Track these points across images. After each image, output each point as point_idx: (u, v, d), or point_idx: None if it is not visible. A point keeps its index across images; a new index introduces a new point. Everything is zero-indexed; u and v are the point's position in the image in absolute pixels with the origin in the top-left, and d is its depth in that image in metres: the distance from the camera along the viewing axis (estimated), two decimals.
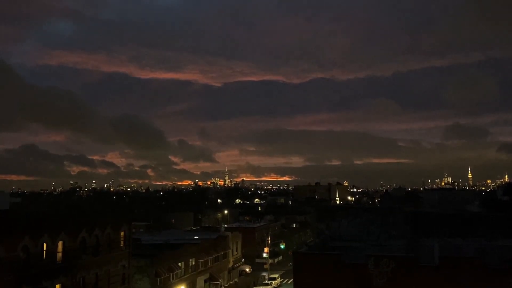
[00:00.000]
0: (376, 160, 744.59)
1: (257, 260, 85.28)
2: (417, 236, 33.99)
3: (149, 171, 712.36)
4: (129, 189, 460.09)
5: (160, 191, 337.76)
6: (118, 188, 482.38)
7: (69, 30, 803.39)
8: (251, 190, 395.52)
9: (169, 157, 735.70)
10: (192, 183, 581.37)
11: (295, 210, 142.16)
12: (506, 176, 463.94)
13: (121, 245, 44.98)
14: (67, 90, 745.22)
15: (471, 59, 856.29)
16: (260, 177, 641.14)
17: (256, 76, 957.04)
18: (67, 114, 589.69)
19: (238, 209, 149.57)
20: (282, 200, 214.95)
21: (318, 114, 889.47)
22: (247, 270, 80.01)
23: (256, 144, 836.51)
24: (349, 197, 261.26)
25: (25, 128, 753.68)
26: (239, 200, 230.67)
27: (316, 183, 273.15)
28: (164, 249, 55.49)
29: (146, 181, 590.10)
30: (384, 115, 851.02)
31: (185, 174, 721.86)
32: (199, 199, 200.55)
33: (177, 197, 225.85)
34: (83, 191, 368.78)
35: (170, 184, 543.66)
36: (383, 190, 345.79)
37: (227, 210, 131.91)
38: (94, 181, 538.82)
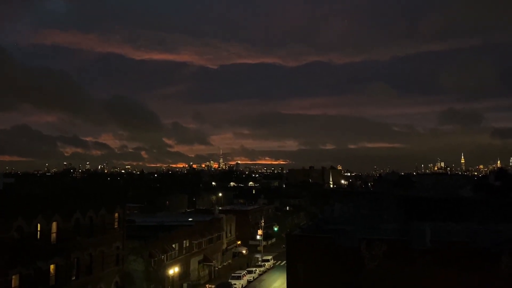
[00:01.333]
0: (370, 145, 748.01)
1: (251, 242, 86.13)
2: (409, 220, 34.30)
3: (143, 153, 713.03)
4: (123, 171, 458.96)
5: (155, 174, 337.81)
6: (112, 170, 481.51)
7: (63, 9, 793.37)
8: (245, 173, 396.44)
9: (163, 139, 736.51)
10: (187, 165, 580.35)
11: (289, 193, 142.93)
12: (499, 162, 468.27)
13: (115, 227, 45.11)
14: (60, 70, 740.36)
15: (468, 44, 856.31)
16: (255, 161, 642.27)
17: (252, 59, 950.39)
18: (60, 95, 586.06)
19: (232, 192, 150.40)
20: (276, 184, 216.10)
21: (314, 98, 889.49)
22: (244, 252, 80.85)
23: (251, 127, 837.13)
24: (342, 181, 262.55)
25: (17, 109, 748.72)
26: (233, 183, 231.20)
27: (310, 167, 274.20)
28: (158, 231, 55.82)
29: (140, 163, 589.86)
30: (380, 99, 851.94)
31: (179, 156, 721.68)
32: (194, 182, 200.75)
33: (171, 179, 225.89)
34: (77, 172, 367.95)
35: (164, 167, 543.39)
36: (377, 174, 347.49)
37: (221, 193, 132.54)
38: (88, 163, 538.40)
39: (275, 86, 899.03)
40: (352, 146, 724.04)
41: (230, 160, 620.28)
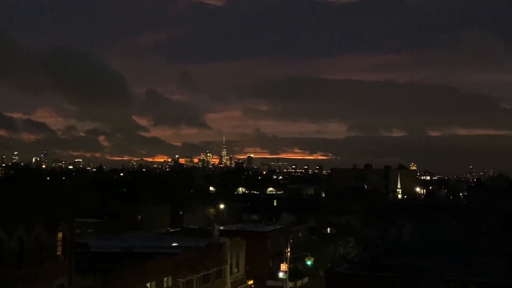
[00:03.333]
0: (463, 131, 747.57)
1: (270, 283, 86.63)
2: None
3: (101, 139, 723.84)
4: (70, 167, 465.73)
5: (119, 171, 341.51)
6: (53, 165, 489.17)
7: None
8: (262, 174, 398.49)
9: (133, 118, 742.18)
10: (170, 159, 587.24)
11: (331, 206, 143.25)
12: None
13: (58, 253, 45.68)
14: None
15: None
16: (277, 154, 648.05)
17: None
18: None
19: (241, 202, 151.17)
20: (310, 191, 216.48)
21: (374, 54, 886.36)
22: None
23: (272, 100, 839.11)
24: (417, 189, 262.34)
25: None
26: (243, 189, 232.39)
27: (365, 166, 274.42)
28: (124, 261, 56.49)
29: (97, 154, 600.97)
30: (480, 57, 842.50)
31: (158, 145, 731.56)
32: (181, 185, 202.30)
33: (145, 180, 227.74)
34: None
35: (135, 160, 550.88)
36: (473, 179, 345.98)
37: (224, 204, 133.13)
38: (15, 152, 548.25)
39: (310, 34, 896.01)
40: (433, 134, 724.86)
41: (239, 153, 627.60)
